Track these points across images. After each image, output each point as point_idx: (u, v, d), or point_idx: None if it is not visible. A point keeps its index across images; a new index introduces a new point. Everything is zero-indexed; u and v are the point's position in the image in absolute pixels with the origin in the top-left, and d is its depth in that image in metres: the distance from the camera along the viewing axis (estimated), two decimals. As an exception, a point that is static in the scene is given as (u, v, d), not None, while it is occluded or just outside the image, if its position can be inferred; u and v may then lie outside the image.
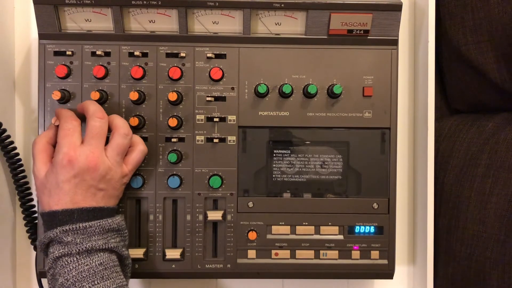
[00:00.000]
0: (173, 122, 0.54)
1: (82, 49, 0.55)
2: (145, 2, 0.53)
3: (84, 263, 0.45)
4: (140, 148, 0.53)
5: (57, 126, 0.51)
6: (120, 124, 0.51)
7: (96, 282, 0.44)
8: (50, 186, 0.47)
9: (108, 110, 0.55)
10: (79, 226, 0.46)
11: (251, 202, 0.56)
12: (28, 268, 0.62)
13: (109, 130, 0.51)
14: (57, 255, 0.45)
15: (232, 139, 0.56)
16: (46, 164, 0.49)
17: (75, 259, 0.45)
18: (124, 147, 0.51)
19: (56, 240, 0.46)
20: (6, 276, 0.58)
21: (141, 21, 0.55)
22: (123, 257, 0.49)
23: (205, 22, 0.55)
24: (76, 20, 0.55)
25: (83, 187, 0.47)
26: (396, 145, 0.56)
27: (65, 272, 0.44)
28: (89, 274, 0.45)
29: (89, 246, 0.45)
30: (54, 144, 0.51)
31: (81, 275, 0.44)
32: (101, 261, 0.46)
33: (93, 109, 0.50)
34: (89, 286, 0.44)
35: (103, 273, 0.45)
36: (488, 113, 0.63)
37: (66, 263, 0.45)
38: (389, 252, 0.56)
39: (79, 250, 0.45)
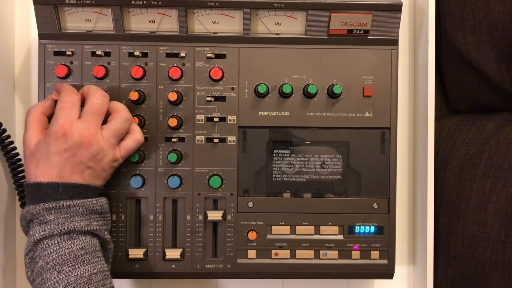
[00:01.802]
0: (173, 122, 0.54)
1: (82, 49, 0.55)
2: (145, 2, 0.53)
3: (65, 246, 0.44)
4: (136, 136, 0.52)
5: (55, 100, 0.50)
6: (122, 108, 0.51)
7: (76, 266, 0.44)
8: (39, 156, 0.47)
9: (108, 110, 0.55)
10: (63, 205, 0.45)
11: (251, 202, 0.56)
12: (28, 268, 0.62)
13: (107, 116, 0.51)
14: (37, 237, 0.44)
15: (232, 139, 0.56)
16: (38, 133, 0.48)
17: (56, 241, 0.44)
18: (122, 131, 0.50)
19: (38, 220, 0.45)
20: (6, 276, 0.58)
21: (141, 21, 0.55)
22: (105, 241, 0.49)
23: (205, 22, 0.55)
24: (76, 20, 0.55)
25: (72, 162, 0.46)
26: (396, 145, 0.56)
27: (45, 255, 0.44)
28: (70, 257, 0.44)
29: (71, 226, 0.45)
30: (48, 116, 0.50)
31: (62, 259, 0.44)
32: (83, 245, 0.45)
33: (96, 88, 0.50)
34: (69, 270, 0.43)
35: (84, 257, 0.45)
36: (488, 113, 0.63)
37: (47, 245, 0.44)
38: (389, 252, 0.56)
39: (60, 230, 0.44)
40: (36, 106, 0.50)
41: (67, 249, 0.44)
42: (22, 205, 0.56)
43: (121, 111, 0.50)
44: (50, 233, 0.44)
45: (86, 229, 0.46)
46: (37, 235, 0.45)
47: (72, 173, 0.47)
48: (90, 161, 0.47)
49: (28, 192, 0.47)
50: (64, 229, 0.45)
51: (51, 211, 0.45)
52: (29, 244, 0.45)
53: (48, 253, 0.44)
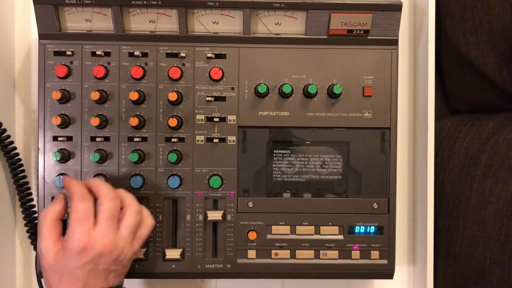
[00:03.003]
0: (173, 122, 0.54)
1: (82, 49, 0.55)
2: (145, 2, 0.53)
3: None
4: (149, 223, 0.51)
5: (66, 197, 0.49)
6: (132, 201, 0.50)
7: None
8: (61, 271, 0.46)
9: (108, 110, 0.55)
10: None
11: (251, 202, 0.56)
12: (28, 268, 0.62)
13: None
14: None
15: (232, 139, 0.56)
16: (55, 244, 0.47)
17: None
18: (137, 225, 0.49)
19: None
20: (6, 276, 0.58)
21: (141, 21, 0.55)
22: None
23: (205, 22, 0.55)
24: (76, 20, 0.54)
25: (96, 272, 0.46)
26: (396, 145, 0.56)
27: None
28: None
29: None
30: (62, 218, 0.49)
31: None
32: None
33: (106, 190, 0.48)
34: None
35: None
36: (488, 113, 0.63)
37: None
38: (389, 252, 0.56)
39: None
40: (50, 211, 0.48)
41: None
42: (22, 205, 0.56)
43: (132, 206, 0.49)
44: None
45: None
46: None
47: (96, 281, 0.47)
48: (113, 265, 0.47)
49: None
50: None
51: None
52: None
53: None
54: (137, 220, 0.49)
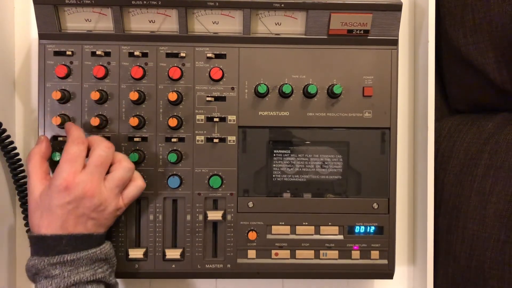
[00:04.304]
0: (173, 122, 0.54)
1: (82, 49, 0.55)
2: (145, 2, 0.53)
3: None
4: (138, 183, 0.52)
5: (47, 138, 0.51)
6: (124, 158, 0.51)
7: None
8: (42, 208, 0.47)
9: (108, 110, 0.55)
10: (67, 259, 0.46)
11: (251, 202, 0.56)
12: (28, 268, 0.62)
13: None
14: None
15: (232, 139, 0.56)
16: (41, 181, 0.48)
17: None
18: (125, 180, 0.51)
19: (43, 273, 0.46)
20: (6, 276, 0.58)
21: (141, 21, 0.55)
22: (110, 285, 0.50)
23: (205, 22, 0.55)
24: (76, 20, 0.54)
25: (75, 214, 0.47)
26: (396, 145, 0.56)
27: None
28: None
29: (76, 279, 0.46)
30: (48, 158, 0.51)
31: None
32: None
33: (101, 139, 0.50)
34: None
35: None
36: (488, 113, 0.63)
37: None
38: (389, 252, 0.56)
39: (66, 284, 0.45)
40: (34, 152, 0.50)
41: None
42: (22, 205, 0.56)
43: (123, 161, 0.51)
44: (57, 287, 0.45)
45: (91, 279, 0.47)
46: None
47: (75, 225, 0.47)
48: (93, 212, 0.48)
49: (32, 244, 0.48)
50: (70, 282, 0.45)
51: (55, 266, 0.46)
52: None
53: None
54: (126, 176, 0.50)
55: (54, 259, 0.46)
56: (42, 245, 0.46)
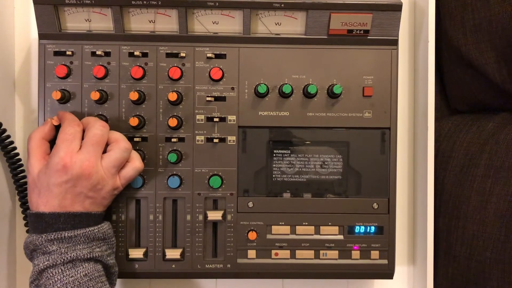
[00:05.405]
0: (173, 122, 0.54)
1: (82, 49, 0.55)
2: (145, 2, 0.53)
3: (69, 274, 0.45)
4: (136, 164, 0.52)
5: (54, 125, 0.51)
6: (121, 138, 0.51)
7: None
8: (40, 186, 0.47)
9: (108, 110, 0.55)
10: (64, 236, 0.46)
11: (251, 202, 0.56)
12: (28, 268, 0.62)
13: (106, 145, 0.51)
14: (42, 267, 0.45)
15: (232, 139, 0.56)
16: (40, 161, 0.49)
17: (60, 270, 0.45)
18: (122, 160, 0.51)
19: (41, 249, 0.46)
20: (6, 276, 0.58)
21: (141, 21, 0.55)
22: (108, 266, 0.50)
23: (205, 22, 0.55)
24: (76, 20, 0.54)
25: (73, 192, 0.47)
26: (396, 145, 0.56)
27: (50, 283, 0.45)
28: (74, 285, 0.45)
29: (73, 255, 0.46)
30: (49, 140, 0.51)
31: (66, 287, 0.45)
32: (86, 272, 0.46)
33: (95, 119, 0.51)
34: None
35: (88, 284, 0.46)
36: (488, 113, 0.63)
37: (51, 274, 0.45)
38: (389, 252, 0.56)
39: (63, 260, 0.45)
40: (36, 131, 0.50)
41: (71, 277, 0.45)
42: (22, 205, 0.56)
43: (120, 141, 0.51)
44: (54, 263, 0.45)
45: (88, 256, 0.47)
46: (41, 264, 0.45)
47: (73, 203, 0.47)
48: (91, 191, 0.48)
49: (31, 221, 0.48)
50: (67, 258, 0.45)
51: (53, 242, 0.46)
52: (34, 273, 0.46)
53: (52, 282, 0.45)
54: (123, 156, 0.51)
55: (52, 235, 0.46)
56: (40, 222, 0.47)
